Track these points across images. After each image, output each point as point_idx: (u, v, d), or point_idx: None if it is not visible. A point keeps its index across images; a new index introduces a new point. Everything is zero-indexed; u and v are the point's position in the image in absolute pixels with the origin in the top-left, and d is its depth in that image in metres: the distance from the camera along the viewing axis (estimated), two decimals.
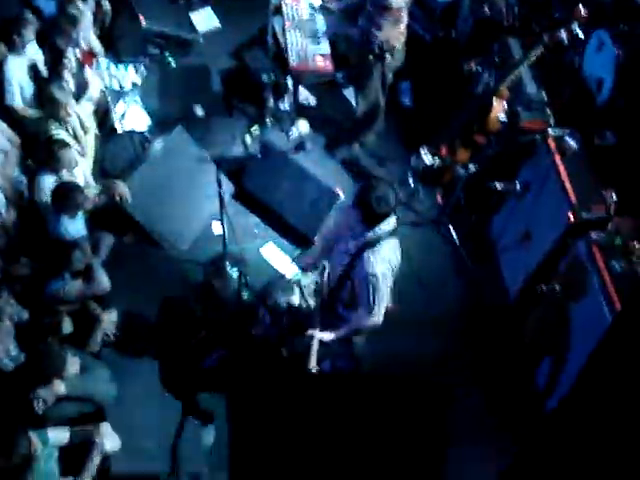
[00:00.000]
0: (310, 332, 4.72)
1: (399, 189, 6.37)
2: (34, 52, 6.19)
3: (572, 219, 5.03)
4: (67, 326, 4.72)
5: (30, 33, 6.06)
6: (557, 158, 5.30)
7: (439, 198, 6.52)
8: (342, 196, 6.21)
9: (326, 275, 4.89)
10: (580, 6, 5.30)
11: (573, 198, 5.11)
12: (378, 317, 4.42)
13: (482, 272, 6.15)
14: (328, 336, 4.63)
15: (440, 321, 5.88)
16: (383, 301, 4.36)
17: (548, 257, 5.36)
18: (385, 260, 4.25)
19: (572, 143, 5.33)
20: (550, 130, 5.46)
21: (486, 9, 6.51)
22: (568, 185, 5.16)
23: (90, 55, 6.69)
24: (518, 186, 5.66)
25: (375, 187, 4.12)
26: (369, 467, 2.70)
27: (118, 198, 5.57)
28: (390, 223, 4.24)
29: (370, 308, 4.36)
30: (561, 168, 5.26)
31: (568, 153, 5.29)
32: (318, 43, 6.28)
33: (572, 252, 5.07)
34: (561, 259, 5.22)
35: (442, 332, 5.82)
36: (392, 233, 4.27)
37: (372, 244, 4.22)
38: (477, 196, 6.23)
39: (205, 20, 7.88)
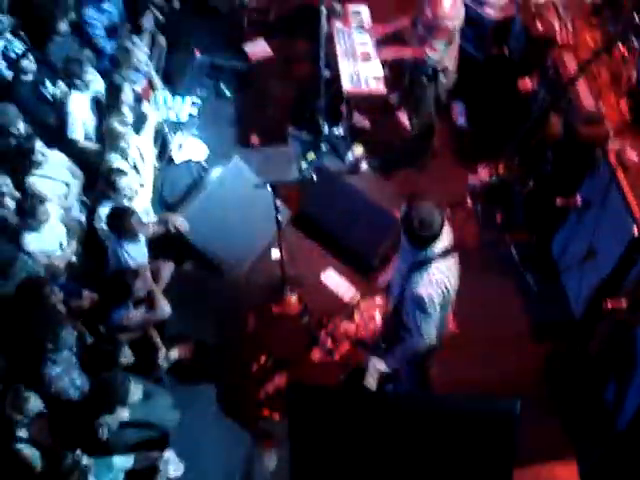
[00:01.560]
0: (369, 358, 4.71)
1: (456, 210, 6.36)
2: (97, 86, 6.40)
3: (636, 234, 4.90)
4: (128, 354, 4.79)
5: (90, 70, 6.26)
6: (618, 171, 5.18)
7: (499, 217, 6.43)
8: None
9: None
10: (635, 16, 5.22)
11: (637, 212, 4.98)
12: (430, 339, 4.32)
13: (545, 291, 6.03)
14: (384, 364, 4.57)
15: (504, 341, 5.78)
16: (432, 323, 4.25)
17: (613, 273, 5.23)
18: (433, 282, 4.11)
19: (633, 155, 5.21)
20: (610, 143, 5.35)
21: (538, 25, 6.44)
22: (631, 199, 5.03)
23: (148, 88, 6.87)
24: (579, 202, 5.56)
25: (418, 209, 3.98)
26: None
27: (174, 229, 5.69)
28: (441, 244, 4.16)
29: (419, 330, 4.28)
30: (623, 182, 5.13)
31: (629, 166, 5.17)
32: (370, 67, 6.32)
33: (638, 267, 4.94)
34: (626, 275, 5.09)
35: (506, 352, 5.70)
36: (445, 254, 4.18)
37: (421, 265, 4.13)
38: (537, 214, 6.13)
39: (258, 50, 8.05)
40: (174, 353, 5.17)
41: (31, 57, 6.27)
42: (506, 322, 5.91)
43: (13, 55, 6.28)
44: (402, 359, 4.59)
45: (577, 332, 5.63)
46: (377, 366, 4.54)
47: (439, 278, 4.12)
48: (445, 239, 4.16)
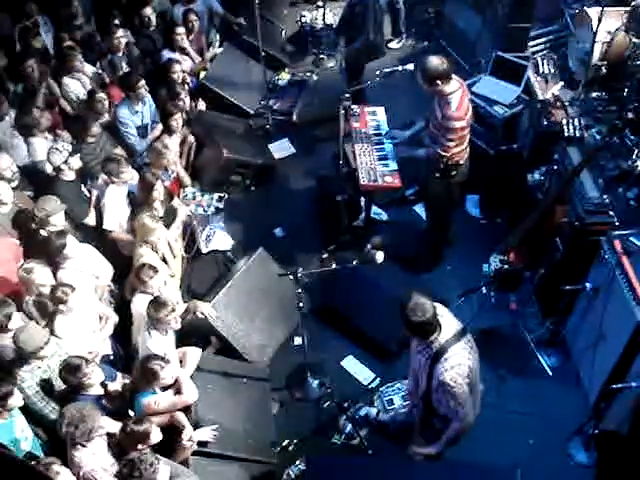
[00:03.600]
0: (414, 449, 4.91)
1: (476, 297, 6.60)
2: (131, 181, 6.77)
3: None
4: (156, 435, 4.93)
5: (126, 167, 6.67)
6: (623, 258, 5.41)
7: (513, 304, 6.63)
8: None
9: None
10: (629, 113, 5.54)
11: None
12: (468, 418, 4.56)
13: (560, 376, 6.16)
14: (431, 450, 4.79)
15: (519, 424, 5.91)
16: (465, 403, 4.47)
17: (623, 357, 5.39)
18: (455, 366, 4.36)
19: (637, 242, 5.45)
20: (614, 231, 5.60)
21: (544, 121, 6.80)
22: (636, 284, 5.25)
23: (178, 184, 7.25)
24: (588, 287, 5.77)
25: (408, 299, 4.32)
26: None
27: (203, 316, 5.96)
28: (448, 330, 4.42)
29: (457, 415, 4.51)
30: (628, 268, 5.36)
31: (634, 252, 5.40)
32: (386, 163, 6.62)
33: None
34: (635, 358, 5.25)
35: (522, 440, 5.83)
36: (457, 337, 4.43)
37: (439, 356, 4.38)
38: (549, 300, 6.33)
39: (282, 149, 8.48)
40: (200, 435, 5.30)
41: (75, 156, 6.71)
42: (521, 405, 6.02)
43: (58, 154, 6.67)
44: (447, 443, 4.78)
45: (591, 415, 5.75)
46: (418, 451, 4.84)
47: (458, 360, 4.38)
48: (452, 324, 4.46)
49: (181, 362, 5.56)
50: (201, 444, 5.26)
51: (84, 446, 4.72)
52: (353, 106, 6.92)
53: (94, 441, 4.77)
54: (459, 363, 4.40)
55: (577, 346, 6.09)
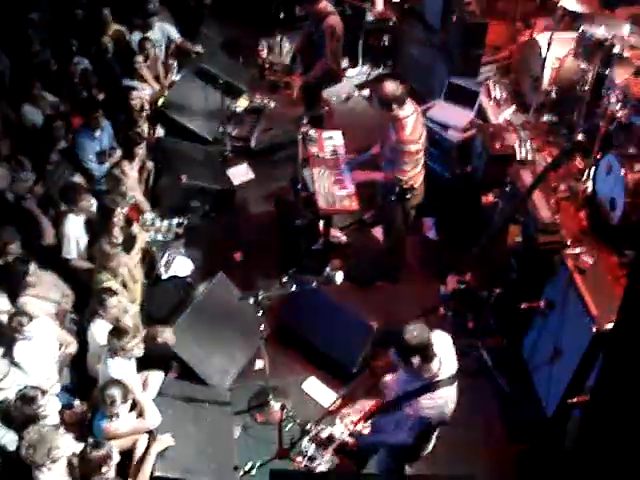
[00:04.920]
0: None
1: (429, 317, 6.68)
2: (89, 207, 6.77)
3: (595, 331, 5.23)
4: (115, 457, 4.89)
5: (84, 195, 6.67)
6: (575, 275, 5.56)
7: (470, 323, 6.72)
8: (375, 327, 6.51)
9: None
10: (579, 135, 5.74)
11: (594, 311, 5.33)
12: (409, 441, 4.55)
13: (517, 392, 6.26)
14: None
15: (478, 444, 5.99)
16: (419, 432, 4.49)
17: (579, 371, 5.52)
18: (437, 406, 4.36)
19: (589, 260, 5.62)
20: (567, 250, 5.77)
21: (497, 144, 6.98)
22: (588, 299, 5.40)
23: (137, 210, 7.26)
24: (543, 305, 5.91)
25: (406, 328, 4.30)
26: None
27: (163, 341, 5.95)
28: (448, 369, 4.42)
29: (407, 432, 4.48)
30: (580, 284, 5.52)
31: (585, 269, 5.56)
32: (344, 187, 6.68)
33: (599, 363, 5.23)
34: (591, 371, 5.39)
35: (480, 455, 5.91)
36: (451, 381, 4.43)
37: (427, 390, 4.36)
38: (506, 318, 6.45)
39: (241, 174, 8.53)
40: (158, 445, 5.28)
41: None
42: (480, 425, 6.11)
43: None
44: (379, 444, 4.94)
45: (549, 430, 5.86)
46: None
47: (442, 403, 4.39)
48: (451, 365, 4.47)
49: (143, 386, 5.54)
50: (162, 469, 5.24)
51: (49, 469, 4.68)
52: (311, 131, 7.02)
53: (57, 463, 4.72)
54: (441, 405, 4.39)
55: (534, 363, 6.21)
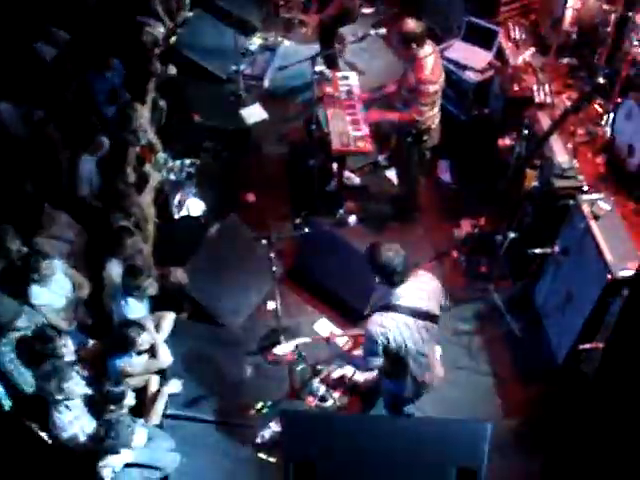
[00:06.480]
0: None
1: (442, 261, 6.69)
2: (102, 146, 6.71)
3: (609, 278, 5.20)
4: (131, 399, 4.98)
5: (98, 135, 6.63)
6: (591, 221, 5.51)
7: (483, 267, 6.71)
8: None
9: None
10: (600, 78, 5.61)
11: (609, 259, 5.29)
12: (367, 367, 4.76)
13: (529, 337, 6.28)
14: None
15: (489, 387, 6.03)
16: (371, 356, 4.56)
17: (591, 317, 5.51)
18: (381, 325, 4.45)
19: (605, 206, 5.55)
20: (583, 195, 5.70)
21: (515, 86, 6.85)
22: (603, 246, 5.35)
23: (149, 150, 7.20)
24: (557, 250, 5.87)
25: (382, 246, 4.53)
26: None
27: (176, 281, 5.97)
28: (409, 300, 4.49)
29: (364, 355, 4.65)
30: (596, 231, 5.46)
31: (602, 215, 5.50)
32: (358, 128, 6.62)
33: (612, 310, 5.22)
34: (603, 318, 5.37)
35: (490, 398, 5.96)
36: (409, 312, 4.49)
37: (382, 309, 4.52)
38: (520, 263, 6.42)
39: (254, 114, 8.42)
40: (170, 388, 5.36)
41: None
42: (493, 369, 6.14)
43: None
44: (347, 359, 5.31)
45: (560, 376, 5.88)
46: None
47: (388, 325, 4.45)
48: (414, 297, 4.52)
49: (156, 326, 5.58)
50: (175, 407, 5.32)
51: (66, 406, 4.75)
52: (325, 71, 6.91)
53: (73, 401, 4.80)
54: (386, 327, 4.45)
55: (546, 308, 6.20)
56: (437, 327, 4.71)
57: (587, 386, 5.49)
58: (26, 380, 5.18)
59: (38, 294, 5.59)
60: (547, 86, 6.86)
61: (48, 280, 5.62)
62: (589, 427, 3.95)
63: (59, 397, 4.79)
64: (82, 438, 4.87)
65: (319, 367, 6.03)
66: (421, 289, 4.60)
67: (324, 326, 6.47)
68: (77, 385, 4.94)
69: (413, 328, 4.51)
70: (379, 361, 4.59)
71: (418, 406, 5.09)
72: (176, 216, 7.04)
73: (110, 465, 4.59)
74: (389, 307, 4.50)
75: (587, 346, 5.34)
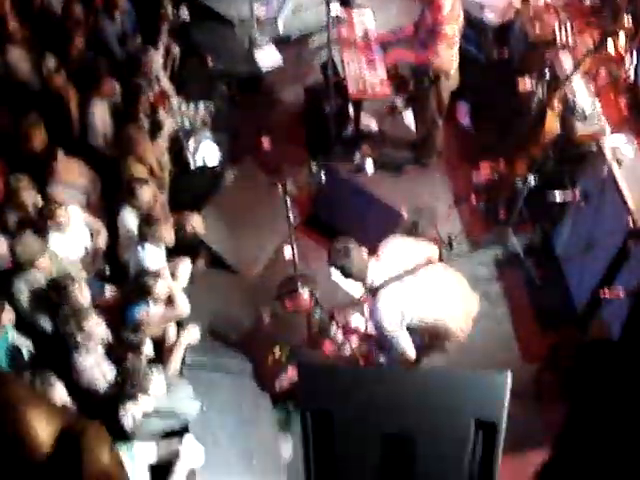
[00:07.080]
0: None
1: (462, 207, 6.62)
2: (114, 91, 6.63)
3: (631, 224, 5.11)
4: (149, 347, 5.00)
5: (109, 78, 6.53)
6: (614, 166, 5.39)
7: (502, 213, 6.63)
8: (405, 216, 6.44)
9: None
10: (626, 18, 5.42)
11: (632, 205, 5.19)
12: (404, 353, 4.64)
13: (548, 283, 6.23)
14: None
15: (509, 334, 6.00)
16: (399, 340, 4.56)
17: (612, 264, 5.44)
18: (384, 308, 4.47)
19: (629, 151, 5.43)
20: (605, 140, 5.56)
21: (537, 27, 6.65)
22: (626, 193, 5.25)
23: (162, 96, 7.09)
24: (578, 196, 5.77)
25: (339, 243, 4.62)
26: None
27: (192, 229, 5.93)
28: (383, 274, 4.51)
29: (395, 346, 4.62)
30: (618, 176, 5.35)
31: (625, 161, 5.38)
32: (375, 71, 6.49)
33: (634, 257, 5.15)
34: (624, 264, 5.31)
35: (511, 347, 5.95)
36: (392, 281, 4.49)
37: (372, 295, 4.55)
38: (539, 209, 6.34)
39: (268, 57, 8.27)
40: (187, 337, 5.37)
41: None
42: (511, 316, 6.14)
43: None
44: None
45: (580, 322, 5.85)
46: None
47: (387, 304, 4.48)
48: (387, 268, 4.55)
49: (173, 275, 5.57)
50: (193, 356, 5.34)
51: (86, 351, 4.77)
52: (341, 12, 6.74)
53: (92, 344, 4.81)
54: (388, 306, 4.48)
55: (566, 255, 6.15)
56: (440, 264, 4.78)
57: (608, 335, 5.50)
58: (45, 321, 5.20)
59: (57, 242, 5.57)
60: (569, 26, 6.65)
61: (66, 228, 5.61)
62: (614, 377, 3.90)
63: (79, 338, 4.80)
64: (103, 384, 4.90)
65: (337, 314, 6.03)
66: (394, 255, 4.69)
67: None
68: (97, 325, 4.94)
69: (405, 288, 4.52)
70: (404, 338, 4.58)
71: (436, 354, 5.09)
72: (192, 164, 6.97)
73: (130, 413, 4.62)
74: (374, 290, 4.54)
75: (608, 293, 5.25)
